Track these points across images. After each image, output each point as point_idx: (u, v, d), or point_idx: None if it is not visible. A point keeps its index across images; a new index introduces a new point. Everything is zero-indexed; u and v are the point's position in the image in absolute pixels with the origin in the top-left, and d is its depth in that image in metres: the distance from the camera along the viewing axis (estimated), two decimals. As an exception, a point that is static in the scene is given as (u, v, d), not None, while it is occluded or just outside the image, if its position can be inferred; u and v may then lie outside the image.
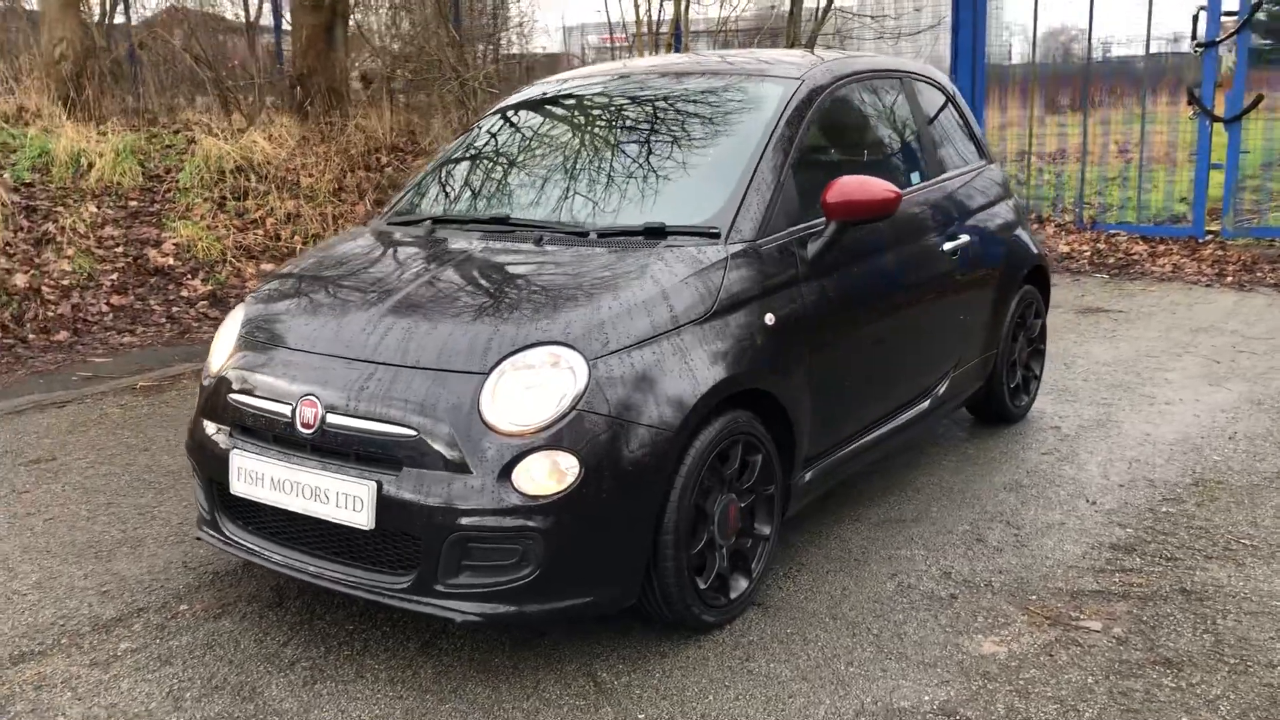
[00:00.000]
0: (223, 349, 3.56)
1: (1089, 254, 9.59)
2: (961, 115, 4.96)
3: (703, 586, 3.25)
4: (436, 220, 3.91)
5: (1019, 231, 5.09)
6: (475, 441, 2.94)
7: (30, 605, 3.57)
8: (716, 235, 3.45)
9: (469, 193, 4.07)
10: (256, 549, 3.30)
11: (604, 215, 3.68)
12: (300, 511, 3.14)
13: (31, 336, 7.47)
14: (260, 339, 3.44)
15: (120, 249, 8.75)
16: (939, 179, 4.50)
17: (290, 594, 3.59)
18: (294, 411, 3.17)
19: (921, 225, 4.25)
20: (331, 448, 3.11)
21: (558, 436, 2.93)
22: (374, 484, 2.99)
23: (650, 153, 3.88)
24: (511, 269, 3.43)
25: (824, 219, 3.65)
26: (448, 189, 4.16)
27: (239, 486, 3.28)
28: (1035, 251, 5.18)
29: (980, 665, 3.14)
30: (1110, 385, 5.85)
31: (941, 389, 4.50)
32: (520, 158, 4.15)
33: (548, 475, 2.92)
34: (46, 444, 5.28)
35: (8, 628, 3.42)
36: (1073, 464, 4.71)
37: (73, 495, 4.56)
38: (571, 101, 4.36)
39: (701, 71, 4.23)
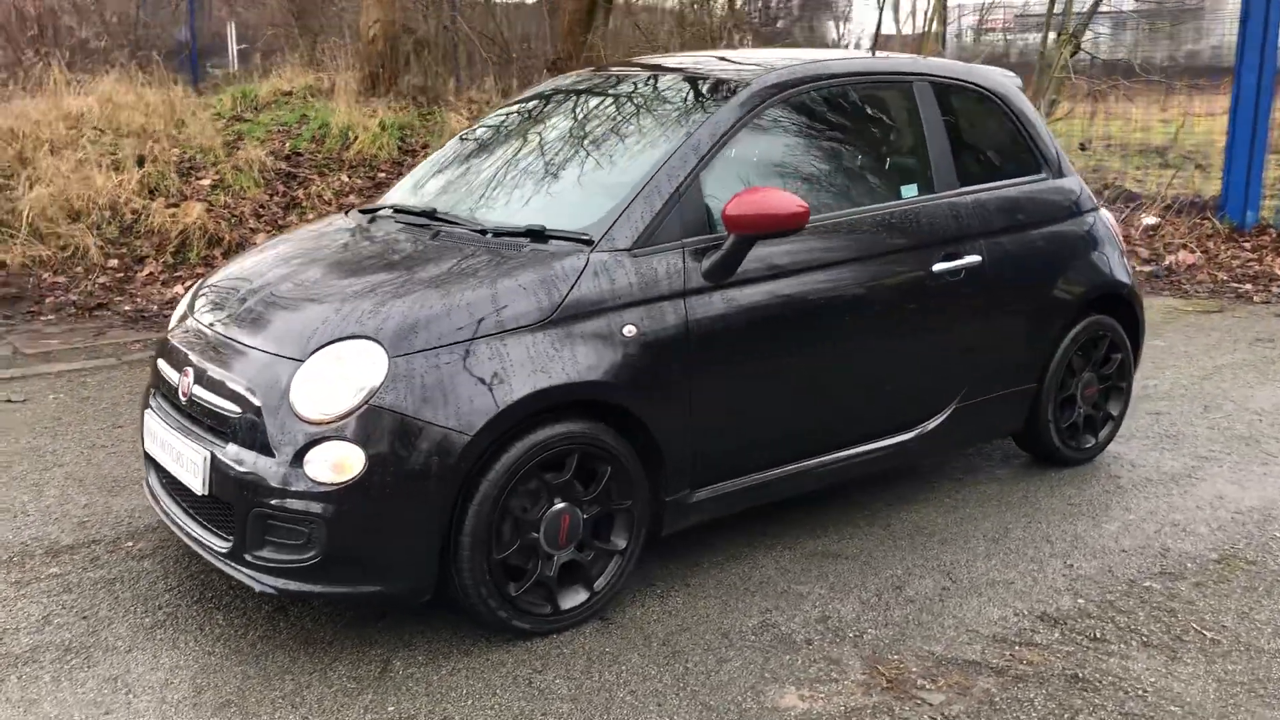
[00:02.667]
0: (174, 319, 3.93)
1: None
2: (1018, 124, 4.49)
3: (514, 593, 3.25)
4: (396, 210, 4.09)
5: (1092, 254, 4.57)
6: (281, 424, 3.11)
7: (22, 524, 4.11)
8: (590, 242, 3.40)
9: (425, 185, 4.22)
10: (160, 500, 3.65)
11: (506, 214, 3.72)
12: (170, 471, 3.46)
13: (253, 290, 8.39)
14: (192, 311, 3.78)
15: (356, 215, 9.60)
16: (949, 193, 4.12)
17: (214, 545, 3.93)
18: (178, 380, 3.49)
19: (899, 242, 3.94)
20: (195, 416, 3.40)
21: (348, 428, 3.05)
22: (208, 454, 3.24)
23: (574, 156, 3.87)
24: (383, 262, 3.55)
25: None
26: (416, 181, 4.33)
27: (146, 443, 3.65)
28: (1113, 278, 4.62)
29: (761, 717, 2.95)
30: (1234, 436, 5.11)
31: (934, 423, 4.16)
32: (474, 155, 4.24)
33: (335, 464, 3.04)
34: (182, 387, 5.96)
35: (-12, 541, 3.99)
36: (1091, 520, 4.20)
37: (150, 434, 5.16)
38: (539, 104, 4.40)
39: (662, 74, 4.15)
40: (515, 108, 4.53)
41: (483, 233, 3.61)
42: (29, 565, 3.80)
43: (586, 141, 3.94)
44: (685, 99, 3.90)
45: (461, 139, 4.48)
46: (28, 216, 8.16)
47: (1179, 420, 5.35)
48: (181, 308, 3.93)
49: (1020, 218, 4.33)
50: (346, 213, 4.23)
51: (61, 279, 7.93)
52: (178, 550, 3.90)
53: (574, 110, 4.24)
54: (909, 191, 4.06)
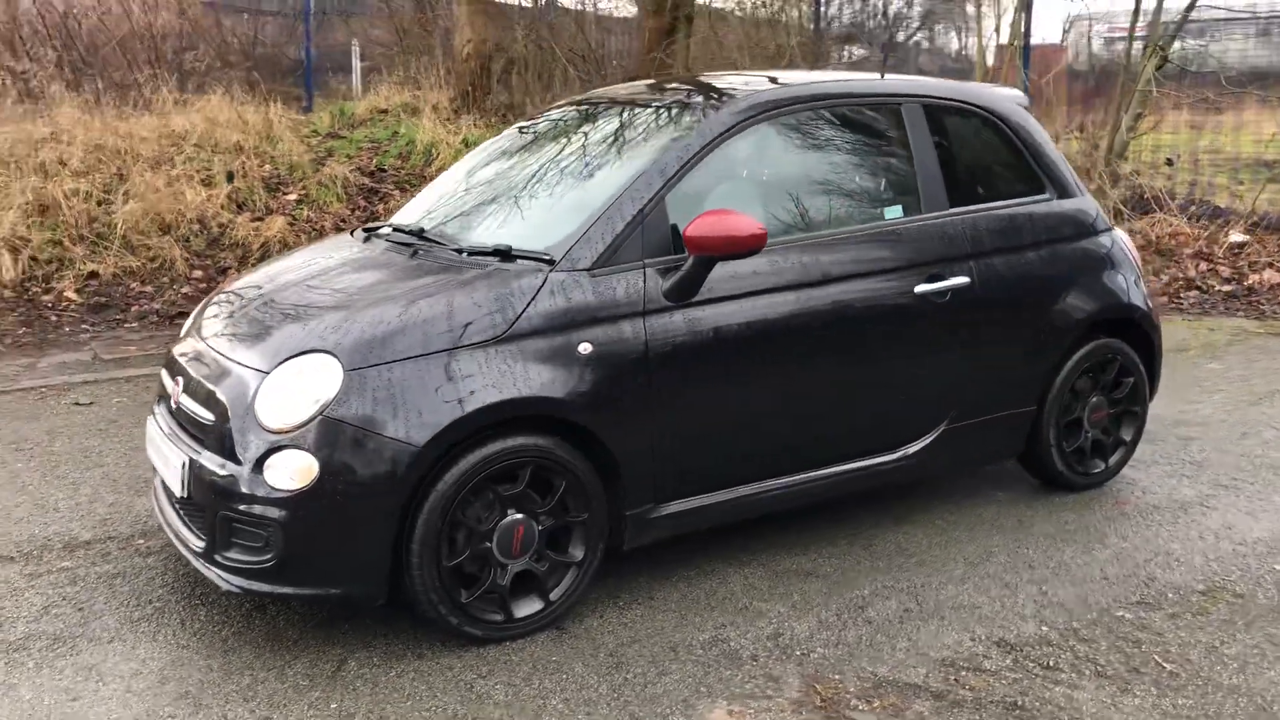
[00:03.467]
0: (183, 331, 4.17)
1: None
2: (1023, 144, 4.44)
3: (465, 600, 3.37)
4: (395, 228, 4.26)
5: (1100, 276, 4.49)
6: (245, 433, 3.29)
7: (50, 520, 4.39)
8: (551, 261, 3.51)
9: (425, 205, 4.38)
10: (159, 500, 3.88)
11: (486, 234, 3.85)
12: (160, 473, 3.69)
13: (327, 301, 8.73)
14: (194, 324, 4.01)
15: (432, 230, 9.89)
16: (934, 214, 4.11)
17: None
18: (172, 388, 3.72)
19: (877, 263, 3.95)
20: (182, 423, 3.61)
21: (304, 438, 3.21)
22: (187, 459, 3.44)
23: (555, 178, 3.99)
24: (359, 280, 3.71)
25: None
26: (419, 201, 4.50)
27: (147, 448, 3.89)
28: (1123, 301, 4.53)
29: (683, 731, 3.01)
30: (1264, 465, 4.95)
31: (919, 444, 4.14)
32: (474, 175, 4.39)
33: (291, 472, 3.21)
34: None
35: (16, 535, 4.24)
36: (1081, 546, 4.13)
37: (192, 438, 5.45)
38: (542, 126, 4.53)
39: (660, 96, 4.23)
40: (520, 129, 4.68)
41: (459, 252, 3.74)
42: (45, 558, 4.07)
43: (570, 163, 4.06)
44: (665, 121, 3.98)
45: (465, 162, 4.64)
46: (121, 229, 8.64)
47: (1209, 446, 5.20)
48: (190, 321, 4.16)
49: (1017, 239, 4.28)
50: (352, 232, 4.42)
51: (148, 289, 8.37)
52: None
53: (569, 132, 4.36)
54: (893, 213, 4.06)
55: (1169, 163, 10.46)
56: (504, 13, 13.93)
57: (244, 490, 3.25)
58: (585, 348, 3.44)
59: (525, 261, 3.55)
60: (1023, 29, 10.43)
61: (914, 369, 4.07)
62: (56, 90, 10.44)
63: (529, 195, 3.99)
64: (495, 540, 3.39)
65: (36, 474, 4.90)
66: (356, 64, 17.54)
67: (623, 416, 3.51)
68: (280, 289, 3.80)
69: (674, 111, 4.01)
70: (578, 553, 3.54)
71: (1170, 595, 3.76)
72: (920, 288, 4.02)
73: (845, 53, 13.10)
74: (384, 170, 10.63)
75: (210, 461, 3.35)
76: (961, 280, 4.09)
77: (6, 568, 3.98)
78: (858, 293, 3.90)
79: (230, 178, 9.54)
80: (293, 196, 9.79)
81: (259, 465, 3.24)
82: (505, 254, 3.60)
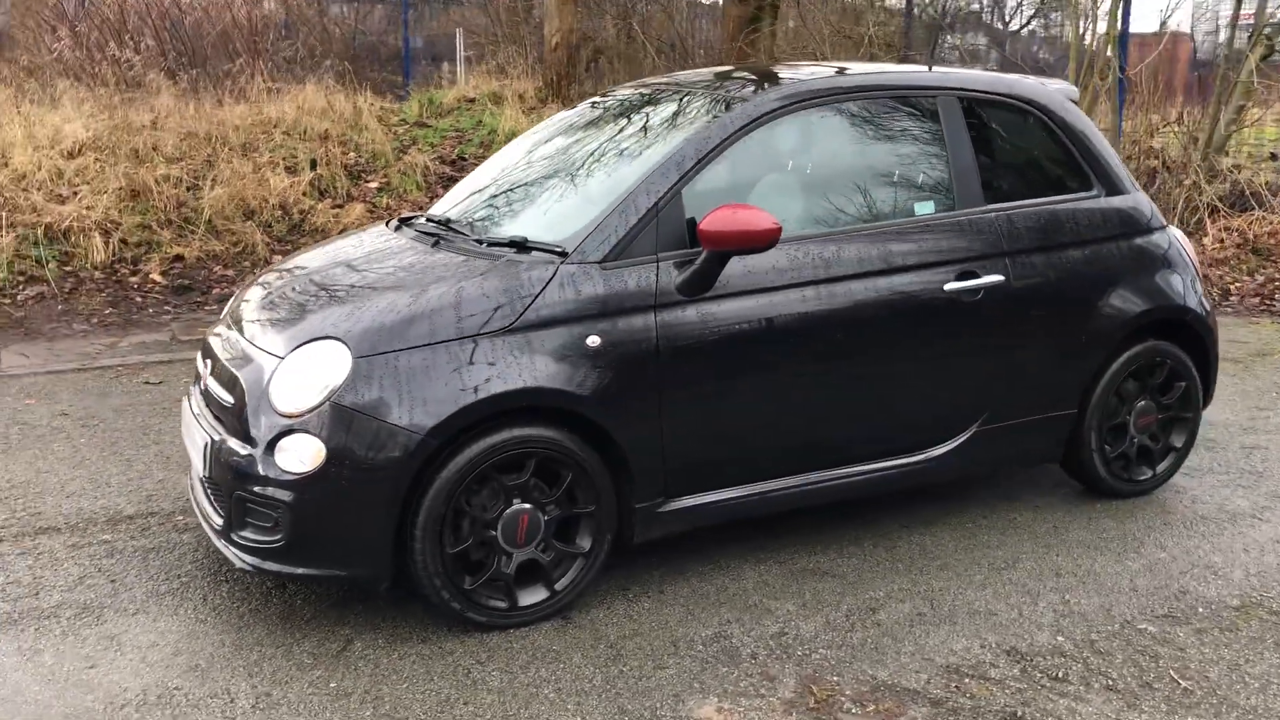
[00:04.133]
0: (221, 316, 4.29)
1: None
2: (1069, 139, 4.30)
3: (468, 586, 3.41)
4: (427, 218, 4.31)
5: (1151, 276, 4.33)
6: (259, 417, 3.38)
7: (101, 494, 4.56)
8: (564, 254, 3.52)
9: (460, 195, 4.42)
10: (191, 478, 4.00)
11: (508, 225, 3.88)
12: (190, 453, 3.80)
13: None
14: (230, 310, 4.12)
15: (509, 218, 9.99)
16: (967, 210, 4.01)
17: (248, 524, 4.25)
18: (204, 372, 3.83)
19: (902, 260, 3.86)
20: (208, 405, 3.72)
21: (313, 422, 3.28)
22: (210, 439, 3.55)
23: (580, 169, 3.99)
24: (378, 267, 3.77)
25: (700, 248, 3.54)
26: (459, 189, 4.54)
27: (181, 429, 4.01)
28: (1174, 302, 4.36)
29: (668, 726, 3.00)
30: (1329, 477, 4.73)
31: (948, 446, 4.05)
32: (509, 166, 4.41)
33: (300, 455, 3.28)
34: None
35: (66, 508, 4.42)
36: (1115, 556, 4.00)
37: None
38: (580, 116, 4.53)
39: (695, 87, 4.19)
40: (557, 121, 4.69)
41: (479, 243, 3.78)
42: (89, 531, 4.22)
43: (596, 154, 4.06)
44: (694, 112, 3.95)
45: (506, 152, 4.68)
46: (207, 214, 8.91)
47: (1273, 456, 4.98)
48: (227, 307, 4.28)
49: (1058, 236, 4.15)
50: (387, 223, 4.48)
51: (230, 272, 8.62)
52: (215, 526, 4.24)
53: (611, 119, 4.35)
54: (924, 208, 3.97)
55: (1273, 157, 10.03)
56: (595, 1, 13.99)
57: (257, 472, 3.33)
58: (594, 340, 3.44)
59: (539, 253, 3.56)
60: (1120, 17, 10.07)
61: (941, 369, 3.98)
62: (154, 79, 10.78)
63: (556, 185, 4.01)
64: (500, 529, 3.41)
65: (96, 449, 5.10)
66: (460, 52, 17.79)
67: (631, 410, 3.50)
68: (307, 276, 3.89)
69: (705, 102, 3.97)
70: (585, 544, 3.55)
71: (1200, 610, 3.63)
72: (950, 285, 3.92)
73: (939, 42, 12.81)
74: (465, 159, 10.76)
75: (229, 443, 3.44)
76: (995, 278, 3.99)
77: (52, 538, 4.14)
78: (881, 290, 3.82)
79: (313, 165, 9.76)
80: (374, 184, 9.97)
81: (270, 448, 3.31)
82: (521, 245, 3.62)
